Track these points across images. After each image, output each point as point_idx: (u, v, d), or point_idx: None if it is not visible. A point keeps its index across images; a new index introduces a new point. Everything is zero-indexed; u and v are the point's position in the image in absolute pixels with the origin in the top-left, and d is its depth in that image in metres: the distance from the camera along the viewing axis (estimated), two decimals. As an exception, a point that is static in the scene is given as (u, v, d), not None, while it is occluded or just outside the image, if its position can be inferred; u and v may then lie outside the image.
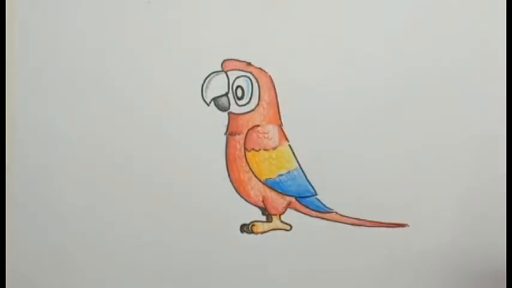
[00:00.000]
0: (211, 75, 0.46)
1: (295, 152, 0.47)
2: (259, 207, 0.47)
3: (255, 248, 0.47)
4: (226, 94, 0.46)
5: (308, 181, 0.47)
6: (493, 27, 0.46)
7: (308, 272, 0.47)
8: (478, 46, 0.46)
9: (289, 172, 0.47)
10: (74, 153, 0.47)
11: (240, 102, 0.47)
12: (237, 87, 0.46)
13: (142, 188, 0.47)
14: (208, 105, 0.47)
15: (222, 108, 0.47)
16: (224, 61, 0.46)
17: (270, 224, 0.47)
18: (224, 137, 0.47)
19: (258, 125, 0.47)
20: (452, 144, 0.46)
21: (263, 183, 0.47)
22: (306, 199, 0.47)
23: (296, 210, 0.47)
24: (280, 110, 0.47)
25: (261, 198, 0.47)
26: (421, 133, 0.46)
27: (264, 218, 0.47)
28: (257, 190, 0.47)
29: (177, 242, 0.47)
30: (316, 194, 0.47)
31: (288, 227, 0.47)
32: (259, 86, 0.47)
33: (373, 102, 0.46)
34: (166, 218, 0.47)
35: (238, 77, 0.46)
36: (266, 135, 0.47)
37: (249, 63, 0.46)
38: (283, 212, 0.47)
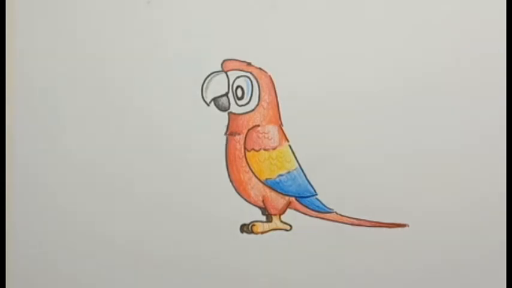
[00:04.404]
0: (211, 75, 0.46)
1: (295, 152, 0.47)
2: (259, 207, 0.47)
3: (255, 248, 0.47)
4: (226, 94, 0.47)
5: (308, 181, 0.47)
6: (494, 29, 0.46)
7: (308, 272, 0.47)
8: (479, 48, 0.46)
9: (289, 172, 0.47)
10: (73, 154, 0.47)
11: (240, 102, 0.47)
12: (237, 87, 0.46)
13: (142, 188, 0.47)
14: (208, 105, 0.47)
15: (222, 108, 0.47)
16: (224, 61, 0.46)
17: (270, 224, 0.47)
18: (224, 137, 0.47)
19: (258, 125, 0.47)
20: (452, 144, 0.46)
21: (263, 183, 0.47)
22: (306, 199, 0.47)
23: (296, 210, 0.47)
24: (280, 110, 0.47)
25: (261, 198, 0.47)
26: (421, 133, 0.46)
27: (264, 218, 0.47)
28: (257, 190, 0.47)
29: (176, 241, 0.47)
30: (316, 194, 0.47)
31: (288, 227, 0.47)
32: (259, 86, 0.47)
33: (374, 103, 0.46)
34: (165, 218, 0.47)
35: (238, 77, 0.46)
36: (266, 135, 0.47)
37: (249, 63, 0.46)
38: (283, 212, 0.47)
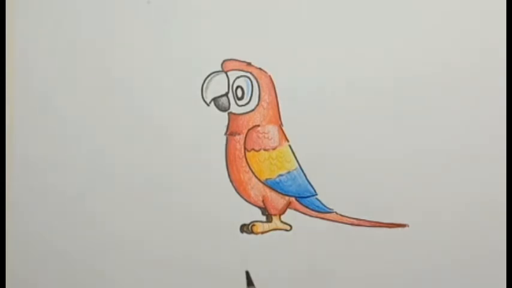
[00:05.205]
0: (211, 75, 0.46)
1: (295, 152, 0.47)
2: (259, 207, 0.47)
3: (255, 248, 0.47)
4: (226, 94, 0.47)
5: (308, 181, 0.47)
6: (494, 29, 0.46)
7: (308, 272, 0.47)
8: (479, 47, 0.46)
9: (289, 172, 0.47)
10: (73, 154, 0.47)
11: (240, 102, 0.47)
12: (237, 87, 0.46)
13: (142, 188, 0.47)
14: (208, 105, 0.47)
15: (222, 108, 0.47)
16: (224, 61, 0.46)
17: (270, 224, 0.47)
18: (224, 137, 0.47)
19: (258, 125, 0.47)
20: (452, 144, 0.46)
21: (263, 183, 0.47)
22: (306, 199, 0.47)
23: (296, 210, 0.47)
24: (280, 110, 0.47)
25: (261, 198, 0.47)
26: (421, 133, 0.46)
27: (264, 218, 0.47)
28: (257, 190, 0.47)
29: (176, 242, 0.47)
30: (316, 194, 0.47)
31: (288, 227, 0.47)
32: (259, 86, 0.47)
33: (373, 102, 0.46)
34: (165, 218, 0.47)
35: (238, 77, 0.46)
36: (266, 135, 0.47)
37: (249, 63, 0.47)
38: (283, 212, 0.47)
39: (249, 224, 0.47)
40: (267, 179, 0.47)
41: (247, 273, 0.46)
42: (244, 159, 0.47)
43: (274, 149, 0.47)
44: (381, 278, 0.47)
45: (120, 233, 0.47)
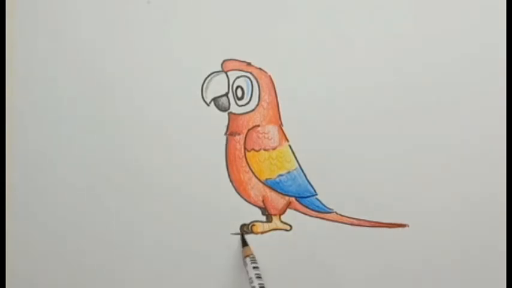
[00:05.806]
0: (211, 75, 0.46)
1: (295, 152, 0.47)
2: (259, 207, 0.47)
3: (255, 248, 0.47)
4: (226, 94, 0.47)
5: (308, 181, 0.47)
6: (494, 27, 0.46)
7: (308, 273, 0.47)
8: (479, 46, 0.46)
9: (289, 172, 0.47)
10: (73, 154, 0.47)
11: (240, 103, 0.47)
12: (237, 87, 0.46)
13: (142, 187, 0.47)
14: (208, 105, 0.47)
15: (222, 108, 0.47)
16: (224, 61, 0.46)
17: (270, 224, 0.47)
18: (224, 137, 0.47)
19: (258, 125, 0.47)
20: (452, 144, 0.46)
21: (263, 183, 0.47)
22: (306, 199, 0.47)
23: (296, 210, 0.47)
24: (280, 110, 0.47)
25: (261, 198, 0.47)
26: (421, 133, 0.46)
27: (264, 218, 0.47)
28: (257, 190, 0.47)
29: (176, 242, 0.47)
30: (316, 194, 0.47)
31: (288, 227, 0.47)
32: (259, 86, 0.47)
33: (374, 102, 0.46)
34: (165, 217, 0.47)
35: (238, 77, 0.46)
36: (266, 135, 0.47)
37: (249, 63, 0.47)
38: (283, 212, 0.47)
39: (249, 224, 0.47)
40: (267, 179, 0.47)
41: (242, 235, 0.46)
42: (244, 159, 0.47)
43: (274, 149, 0.47)
44: (381, 278, 0.47)
45: (120, 232, 0.47)
